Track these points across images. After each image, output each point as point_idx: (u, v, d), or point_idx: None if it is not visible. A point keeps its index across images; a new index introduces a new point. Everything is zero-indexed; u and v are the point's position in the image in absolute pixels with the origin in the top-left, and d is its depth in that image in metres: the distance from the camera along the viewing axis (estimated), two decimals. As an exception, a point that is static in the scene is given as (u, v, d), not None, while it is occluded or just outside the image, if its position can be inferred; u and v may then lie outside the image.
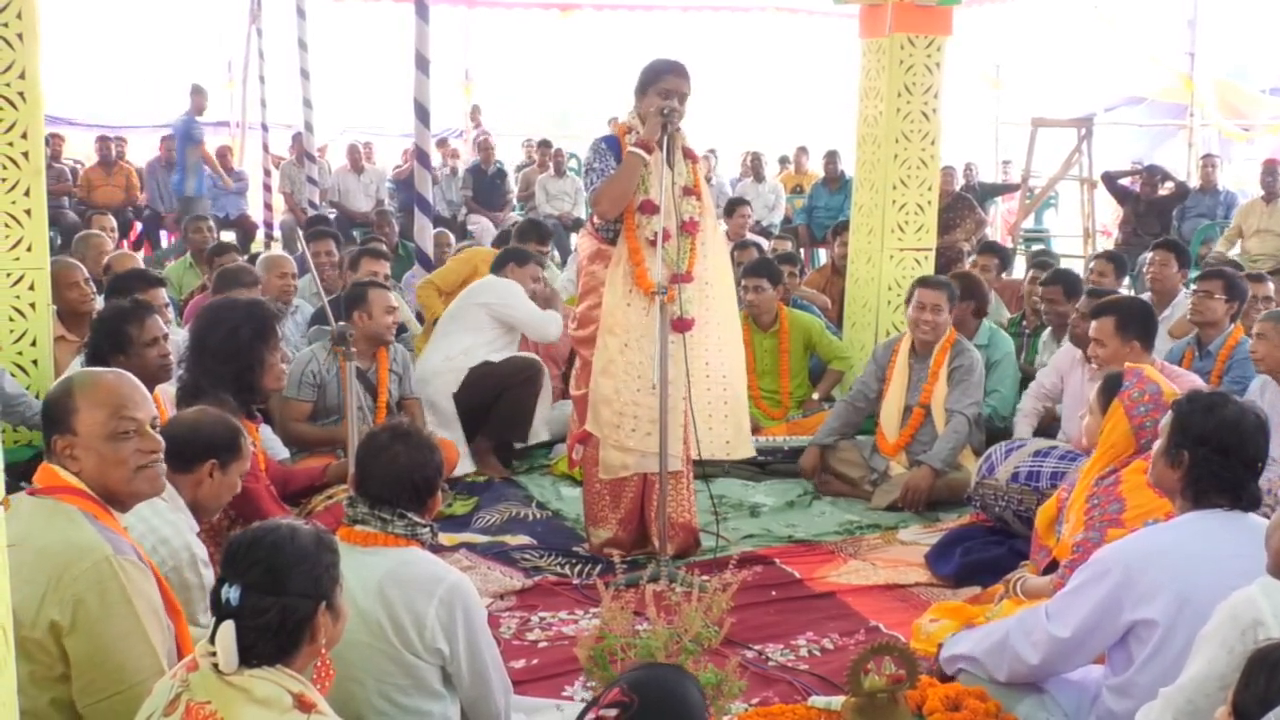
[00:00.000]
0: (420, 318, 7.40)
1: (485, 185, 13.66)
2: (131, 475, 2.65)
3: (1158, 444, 3.09)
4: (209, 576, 3.10)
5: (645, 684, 2.20)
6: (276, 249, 11.24)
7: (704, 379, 4.68)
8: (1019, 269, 10.44)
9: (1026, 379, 6.29)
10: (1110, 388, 3.81)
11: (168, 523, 3.04)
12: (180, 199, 12.06)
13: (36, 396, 5.35)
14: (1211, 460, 2.93)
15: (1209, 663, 2.49)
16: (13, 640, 1.91)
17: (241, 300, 4.55)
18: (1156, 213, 11.32)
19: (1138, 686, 2.89)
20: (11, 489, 2.07)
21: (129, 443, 2.64)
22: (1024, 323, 7.01)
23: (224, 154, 14.04)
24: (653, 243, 4.47)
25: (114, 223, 10.18)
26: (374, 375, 5.59)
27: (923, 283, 5.86)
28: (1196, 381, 4.64)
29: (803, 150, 15.60)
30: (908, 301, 5.87)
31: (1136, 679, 2.91)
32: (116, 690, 2.43)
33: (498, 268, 6.50)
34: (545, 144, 14.74)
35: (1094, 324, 4.81)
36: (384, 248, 7.61)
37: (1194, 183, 12.38)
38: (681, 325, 4.54)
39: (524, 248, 6.83)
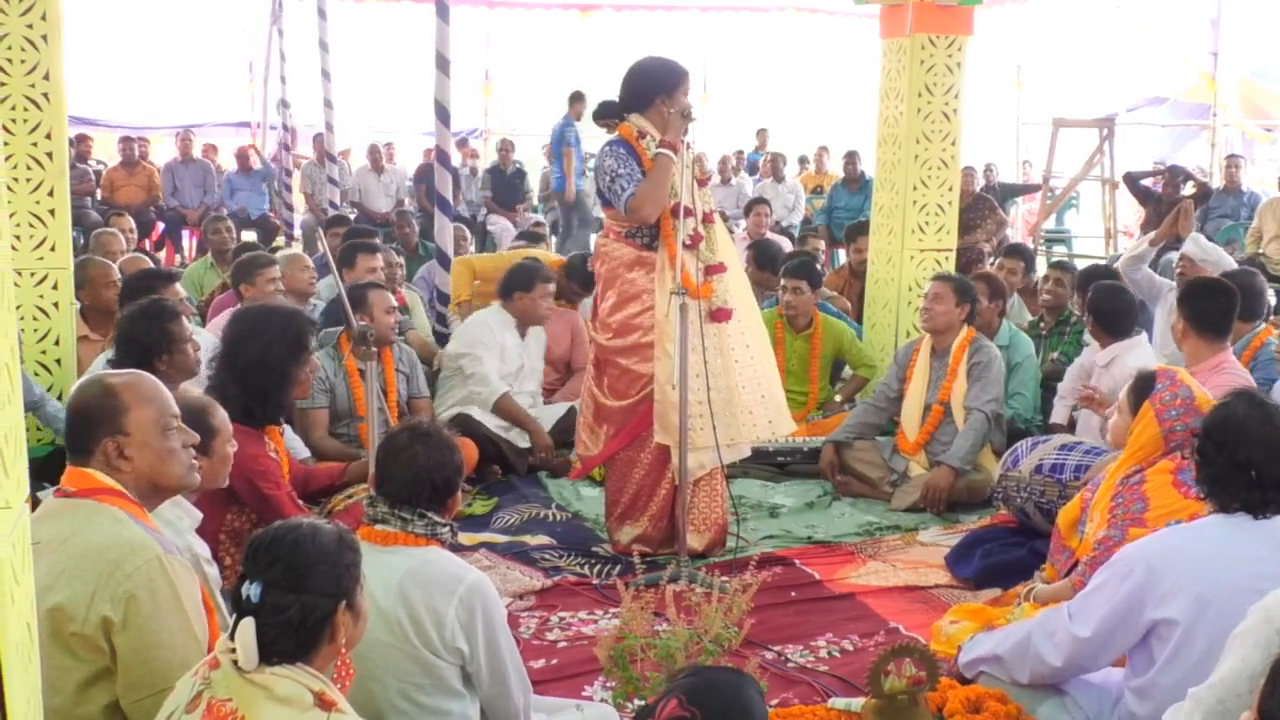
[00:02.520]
0: (445, 299, 7.52)
1: (504, 185, 13.69)
2: (188, 469, 2.74)
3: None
4: (213, 574, 3.11)
5: (704, 693, 2.11)
6: (297, 249, 11.28)
7: (733, 364, 4.69)
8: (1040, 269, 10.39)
9: (1044, 380, 6.27)
10: (1141, 388, 3.76)
11: (166, 523, 3.04)
12: (558, 196, 13.01)
13: (59, 397, 5.35)
14: (1219, 459, 2.92)
15: (1242, 661, 2.47)
16: (37, 638, 1.92)
17: (279, 311, 4.46)
18: (1179, 214, 11.22)
19: (1159, 688, 2.88)
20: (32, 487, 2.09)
21: (177, 436, 2.71)
22: (1041, 324, 6.98)
23: (245, 154, 14.12)
24: (688, 246, 4.46)
25: (133, 223, 10.23)
26: (380, 376, 5.58)
27: (933, 277, 6.05)
28: (1247, 382, 4.53)
29: (823, 151, 15.56)
30: (925, 300, 5.92)
31: (1158, 680, 2.90)
32: (163, 686, 2.43)
33: (504, 297, 6.35)
34: (564, 144, 14.73)
35: None
36: (376, 241, 7.54)
37: (1217, 183, 12.30)
38: (722, 315, 4.62)
39: (534, 266, 6.45)
